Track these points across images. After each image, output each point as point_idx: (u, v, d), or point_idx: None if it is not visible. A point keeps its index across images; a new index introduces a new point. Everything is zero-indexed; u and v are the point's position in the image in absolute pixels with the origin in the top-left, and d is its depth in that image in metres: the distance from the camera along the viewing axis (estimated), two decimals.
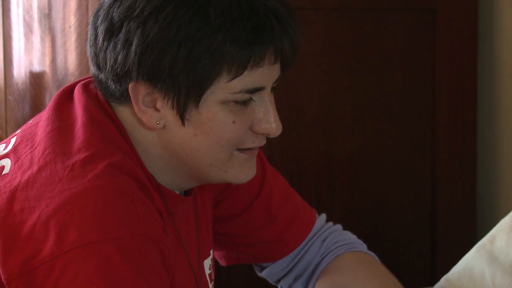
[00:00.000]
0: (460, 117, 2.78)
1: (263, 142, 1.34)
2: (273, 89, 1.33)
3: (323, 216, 1.60)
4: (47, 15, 2.51)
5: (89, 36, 1.32)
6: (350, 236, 1.59)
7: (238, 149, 1.32)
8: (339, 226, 1.60)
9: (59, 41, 2.52)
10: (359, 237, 1.60)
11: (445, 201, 2.80)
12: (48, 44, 2.52)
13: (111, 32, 1.28)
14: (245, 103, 1.29)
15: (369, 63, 2.67)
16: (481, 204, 2.95)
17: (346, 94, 2.66)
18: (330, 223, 1.60)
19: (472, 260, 1.92)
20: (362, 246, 1.58)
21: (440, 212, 2.81)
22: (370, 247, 1.59)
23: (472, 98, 2.79)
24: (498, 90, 2.81)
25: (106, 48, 1.28)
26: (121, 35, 1.26)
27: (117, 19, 1.27)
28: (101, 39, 1.29)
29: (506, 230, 1.97)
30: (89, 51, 1.33)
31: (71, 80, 2.40)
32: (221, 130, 1.28)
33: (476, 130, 2.81)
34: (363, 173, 2.71)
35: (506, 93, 2.79)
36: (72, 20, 2.52)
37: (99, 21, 1.30)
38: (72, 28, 2.51)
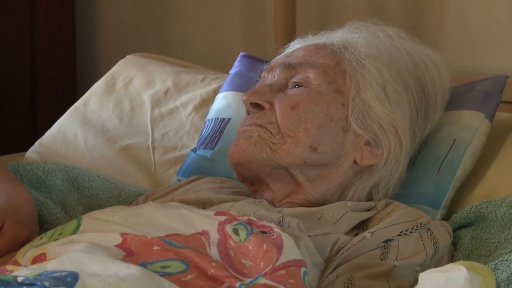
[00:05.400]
0: None
1: None
2: None
3: None
4: None
5: None
6: None
7: None
8: None
9: None
10: None
11: (45, 69, 2.81)
12: None
13: None
14: None
15: None
16: (80, 72, 3.00)
17: None
18: None
19: (65, 123, 1.96)
20: None
21: (41, 79, 2.81)
22: None
23: None
24: None
25: None
26: None
27: None
28: None
29: (99, 92, 2.02)
30: None
31: None
32: None
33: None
34: None
35: None
36: None
37: None
38: None
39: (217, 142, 1.78)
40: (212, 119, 1.83)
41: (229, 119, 1.81)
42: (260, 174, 1.52)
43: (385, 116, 1.51)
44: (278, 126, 1.50)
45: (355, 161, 1.53)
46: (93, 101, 2.01)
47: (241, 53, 1.96)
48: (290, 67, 1.55)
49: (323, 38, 1.63)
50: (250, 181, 1.56)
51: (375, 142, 1.53)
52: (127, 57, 2.12)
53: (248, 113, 1.54)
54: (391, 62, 1.55)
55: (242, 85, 1.86)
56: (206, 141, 1.80)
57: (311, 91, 1.52)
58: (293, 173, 1.51)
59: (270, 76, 1.59)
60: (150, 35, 3.03)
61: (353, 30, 1.61)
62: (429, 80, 1.59)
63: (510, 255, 1.40)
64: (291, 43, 1.68)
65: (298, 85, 1.53)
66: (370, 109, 1.51)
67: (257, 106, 1.53)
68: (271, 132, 1.50)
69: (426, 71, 1.59)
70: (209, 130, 1.81)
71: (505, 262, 1.39)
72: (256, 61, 1.90)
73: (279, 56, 1.63)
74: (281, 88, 1.55)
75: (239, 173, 1.55)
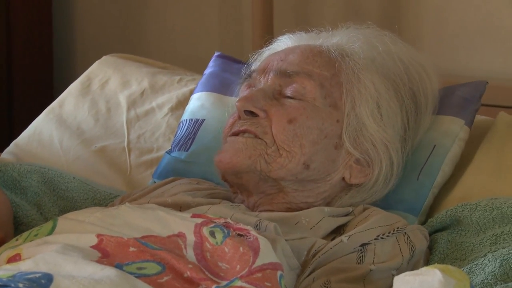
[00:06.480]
0: None
1: None
2: None
3: None
4: None
5: None
6: None
7: None
8: None
9: None
10: None
11: (22, 69, 2.79)
12: None
13: None
14: None
15: None
16: (57, 73, 2.98)
17: None
18: None
19: (41, 124, 1.95)
20: None
21: (17, 80, 2.80)
22: None
23: None
24: None
25: None
26: None
27: None
28: None
29: (75, 93, 2.01)
30: None
31: None
32: None
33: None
34: None
35: None
36: None
37: None
38: None
39: (191, 144, 1.78)
40: (186, 120, 1.83)
41: (203, 120, 1.80)
42: (247, 183, 1.52)
43: (378, 135, 1.51)
44: (273, 137, 1.49)
45: (343, 178, 1.53)
46: (68, 102, 1.99)
47: (216, 53, 1.95)
48: (286, 75, 1.53)
49: (318, 40, 1.61)
50: (232, 186, 1.56)
51: (366, 161, 1.52)
52: (103, 57, 2.11)
53: (239, 117, 1.53)
54: (387, 76, 1.55)
55: (216, 85, 1.85)
56: (181, 143, 1.79)
57: (308, 106, 1.51)
58: (282, 184, 1.51)
59: (263, 79, 1.56)
60: (127, 35, 3.02)
61: (351, 38, 1.58)
62: (422, 91, 1.59)
63: (485, 259, 1.41)
64: (281, 37, 1.67)
65: (293, 95, 1.52)
66: (364, 127, 1.51)
67: (251, 113, 1.52)
68: (266, 143, 1.49)
69: (419, 82, 1.58)
70: (184, 132, 1.80)
71: (480, 265, 1.40)
72: (231, 61, 1.89)
73: (272, 55, 1.61)
74: (275, 94, 1.53)
75: (225, 178, 1.54)
